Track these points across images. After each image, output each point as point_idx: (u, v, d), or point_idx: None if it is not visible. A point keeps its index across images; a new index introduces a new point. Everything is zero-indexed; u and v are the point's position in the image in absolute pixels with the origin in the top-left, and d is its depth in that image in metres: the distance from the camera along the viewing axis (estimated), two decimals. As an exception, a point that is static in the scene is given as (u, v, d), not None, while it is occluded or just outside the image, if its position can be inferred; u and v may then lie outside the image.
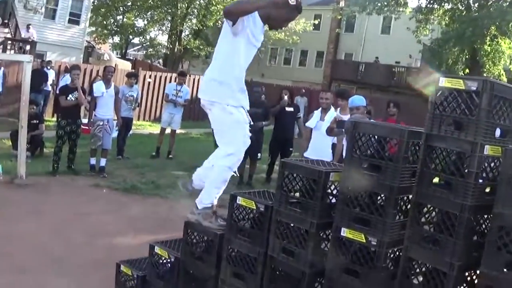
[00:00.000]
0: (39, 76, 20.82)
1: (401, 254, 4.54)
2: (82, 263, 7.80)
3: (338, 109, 10.73)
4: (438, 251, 4.24)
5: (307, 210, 4.79)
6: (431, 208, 4.47)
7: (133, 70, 23.69)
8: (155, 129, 23.81)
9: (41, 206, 10.50)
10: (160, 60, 56.56)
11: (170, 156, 17.02)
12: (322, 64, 53.01)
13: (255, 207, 5.22)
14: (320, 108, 11.17)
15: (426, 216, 4.50)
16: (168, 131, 17.37)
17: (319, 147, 10.36)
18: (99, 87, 13.75)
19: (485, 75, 33.57)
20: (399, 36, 45.31)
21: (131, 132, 17.24)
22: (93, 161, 13.73)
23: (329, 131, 9.60)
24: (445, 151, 4.38)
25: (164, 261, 6.27)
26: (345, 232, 4.63)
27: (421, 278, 4.49)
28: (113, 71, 14.57)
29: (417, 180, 4.40)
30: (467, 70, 32.93)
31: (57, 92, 22.29)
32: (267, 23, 5.65)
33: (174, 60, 47.27)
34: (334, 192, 4.94)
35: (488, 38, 31.89)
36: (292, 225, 4.97)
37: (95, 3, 45.10)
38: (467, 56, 33.32)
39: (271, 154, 14.67)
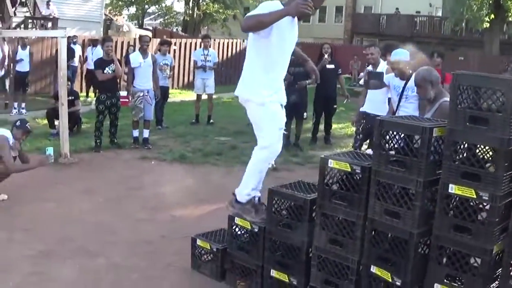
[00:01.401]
0: (65, 52, 20.63)
1: (508, 206, 4.44)
2: (149, 239, 7.62)
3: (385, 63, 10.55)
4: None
5: (411, 169, 4.58)
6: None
7: (166, 39, 23.19)
8: (186, 96, 23.72)
9: (91, 184, 10.31)
10: (179, 27, 56.22)
11: (211, 121, 16.83)
12: (342, 19, 52.48)
13: (350, 169, 4.99)
14: (370, 65, 10.94)
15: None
16: (204, 97, 17.16)
17: (375, 101, 10.31)
18: (136, 57, 13.47)
19: (510, 19, 33.18)
20: (418, -15, 44.89)
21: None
22: (136, 133, 13.49)
23: (365, 84, 9.81)
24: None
25: (244, 232, 6.10)
26: (453, 189, 4.44)
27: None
28: (149, 41, 14.33)
29: (527, 129, 4.18)
30: (492, 16, 32.43)
31: (87, 67, 22.30)
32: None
33: (194, 26, 46.94)
34: (437, 148, 4.71)
35: (511, -19, 31.43)
36: (394, 185, 4.74)
37: (108, -25, 44.77)
38: (490, 2, 32.73)
39: (316, 113, 14.49)
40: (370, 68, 10.73)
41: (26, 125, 9.56)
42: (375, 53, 10.79)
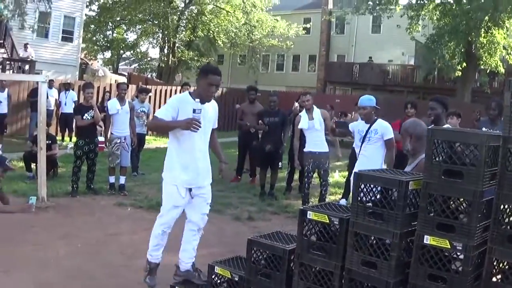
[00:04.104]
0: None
1: (481, 256, 4.59)
2: (127, 286, 7.68)
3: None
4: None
5: (388, 221, 4.73)
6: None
7: (145, 87, 23.27)
8: (160, 143, 23.75)
9: (69, 228, 10.36)
10: (154, 73, 56.40)
11: (186, 169, 16.87)
12: (315, 67, 52.94)
13: (328, 221, 5.13)
14: (304, 110, 12.44)
15: (509, 217, 4.47)
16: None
17: (317, 142, 12.21)
18: (114, 104, 13.58)
19: (482, 67, 33.67)
20: (390, 34, 45.47)
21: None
22: (112, 179, 13.57)
23: (333, 132, 11.10)
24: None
25: (223, 280, 6.19)
26: (428, 240, 4.58)
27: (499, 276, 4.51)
28: (126, 88, 14.43)
29: (498, 183, 4.38)
30: (464, 64, 32.89)
31: (62, 111, 22.34)
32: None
33: (169, 73, 47.14)
34: (413, 200, 4.87)
35: (482, 30, 31.86)
36: (371, 236, 4.89)
37: (85, 20, 44.76)
38: (462, 50, 33.19)
39: (291, 163, 14.62)
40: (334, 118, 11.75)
41: (6, 162, 9.57)
42: (310, 100, 12.43)
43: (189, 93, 6.93)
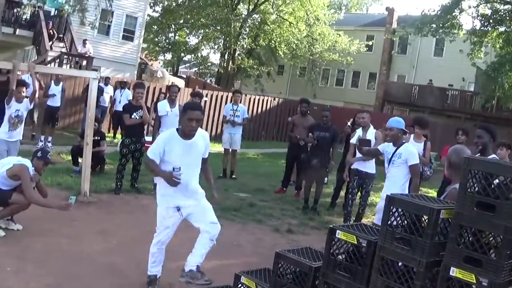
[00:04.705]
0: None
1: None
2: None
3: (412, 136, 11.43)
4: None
5: (415, 248, 4.63)
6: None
7: (198, 90, 23.44)
8: (212, 148, 23.82)
9: (107, 224, 10.49)
10: (213, 79, 56.70)
11: (234, 176, 17.08)
12: (375, 85, 52.72)
13: (356, 242, 5.05)
14: (361, 127, 12.54)
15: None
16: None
17: (365, 160, 11.89)
18: (164, 106, 13.70)
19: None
20: (452, 59, 45.06)
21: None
22: (157, 180, 13.56)
23: (359, 151, 10.94)
24: None
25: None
26: (454, 272, 4.47)
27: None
28: (178, 91, 14.48)
29: (532, 219, 4.23)
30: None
31: (115, 109, 22.52)
32: None
33: (227, 79, 47.33)
34: (443, 229, 4.76)
35: (543, 61, 31.38)
36: (397, 262, 4.80)
37: (147, 20, 45.19)
38: (521, 81, 32.73)
39: (338, 179, 14.52)
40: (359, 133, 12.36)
41: (47, 155, 9.65)
42: (366, 118, 12.63)
43: (176, 129, 7.31)
